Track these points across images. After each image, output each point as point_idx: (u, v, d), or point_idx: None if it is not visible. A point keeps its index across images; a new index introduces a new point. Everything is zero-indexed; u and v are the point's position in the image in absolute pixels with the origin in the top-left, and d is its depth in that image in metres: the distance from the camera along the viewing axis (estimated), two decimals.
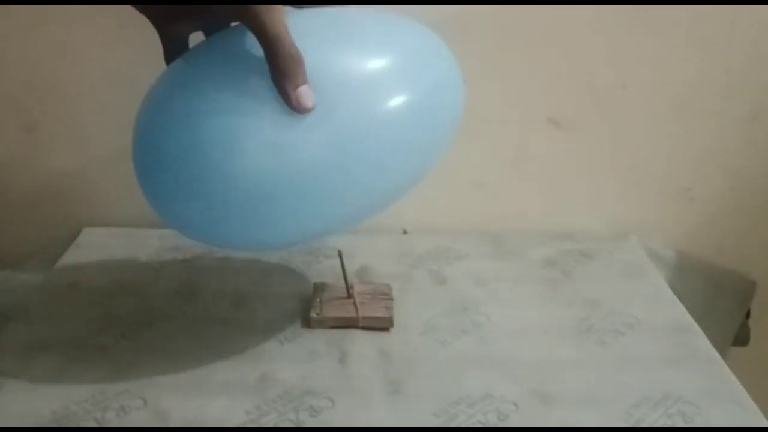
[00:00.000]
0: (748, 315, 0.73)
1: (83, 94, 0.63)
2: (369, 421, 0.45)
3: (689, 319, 0.57)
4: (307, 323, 0.55)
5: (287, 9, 0.40)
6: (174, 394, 0.47)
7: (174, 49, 0.43)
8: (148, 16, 0.41)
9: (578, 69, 0.62)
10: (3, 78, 0.62)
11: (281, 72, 0.37)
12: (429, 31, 0.47)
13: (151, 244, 0.66)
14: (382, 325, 0.54)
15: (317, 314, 0.54)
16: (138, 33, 0.57)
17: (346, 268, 0.55)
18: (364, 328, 0.54)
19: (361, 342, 0.53)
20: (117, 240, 0.67)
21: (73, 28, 0.60)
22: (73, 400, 0.46)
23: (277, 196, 0.40)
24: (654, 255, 0.69)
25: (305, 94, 0.38)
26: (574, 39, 0.61)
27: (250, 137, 0.38)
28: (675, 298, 0.60)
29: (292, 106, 0.38)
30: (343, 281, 0.55)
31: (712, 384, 0.49)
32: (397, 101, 0.41)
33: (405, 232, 0.71)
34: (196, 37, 0.45)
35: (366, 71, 0.41)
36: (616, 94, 0.63)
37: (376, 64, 0.41)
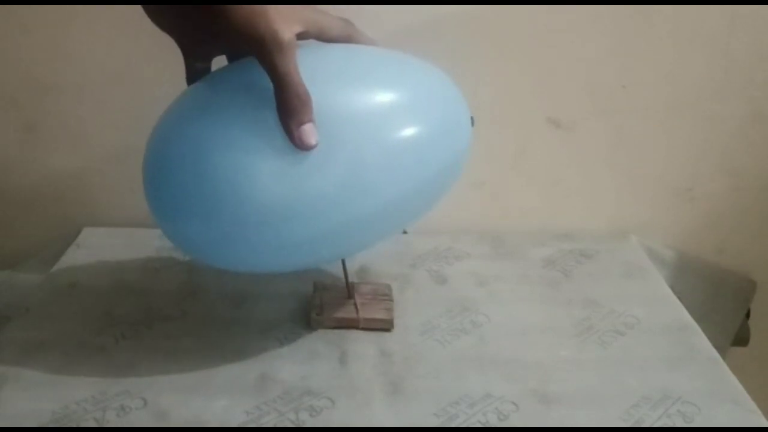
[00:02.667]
0: (748, 315, 0.73)
1: (83, 94, 0.63)
2: (369, 421, 0.45)
3: (689, 319, 0.57)
4: (307, 323, 0.55)
5: (302, 43, 0.41)
6: (174, 394, 0.47)
7: (196, 71, 0.44)
8: (174, 39, 0.42)
9: (578, 69, 0.62)
10: (3, 78, 0.62)
11: (286, 109, 0.39)
12: (437, 69, 0.48)
13: (151, 244, 0.66)
14: (383, 327, 0.54)
15: (317, 314, 0.54)
16: (138, 33, 0.57)
17: (347, 268, 0.55)
18: (364, 329, 0.54)
19: (360, 342, 0.53)
20: (117, 240, 0.67)
21: (73, 28, 0.60)
22: (73, 400, 0.46)
23: (285, 225, 0.41)
24: (654, 255, 0.69)
25: (308, 131, 0.39)
26: (574, 39, 0.61)
27: (261, 167, 0.39)
28: (675, 298, 0.60)
29: (295, 142, 0.39)
30: (343, 281, 0.56)
31: (712, 384, 0.49)
32: (403, 137, 0.43)
33: (405, 232, 0.71)
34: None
35: (374, 108, 0.42)
36: (615, 94, 0.63)
37: (383, 100, 0.43)
